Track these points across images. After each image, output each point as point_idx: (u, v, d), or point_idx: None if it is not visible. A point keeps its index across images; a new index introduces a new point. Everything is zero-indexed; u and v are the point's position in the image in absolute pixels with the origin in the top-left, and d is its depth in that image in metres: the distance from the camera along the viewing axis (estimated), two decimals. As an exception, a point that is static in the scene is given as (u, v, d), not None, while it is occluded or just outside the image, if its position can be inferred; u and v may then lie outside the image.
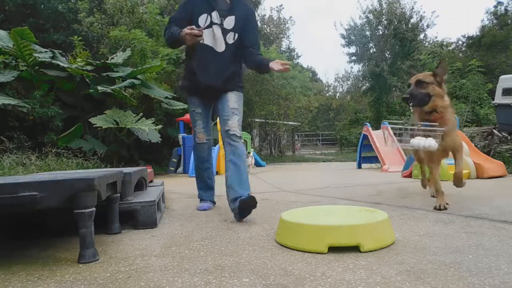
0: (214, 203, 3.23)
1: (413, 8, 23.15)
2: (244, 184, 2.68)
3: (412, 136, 2.84)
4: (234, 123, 2.78)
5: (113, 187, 2.18)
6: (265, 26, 24.62)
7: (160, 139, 8.17)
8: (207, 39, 2.81)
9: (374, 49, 24.04)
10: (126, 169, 2.78)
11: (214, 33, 2.83)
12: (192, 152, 2.97)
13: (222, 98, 2.89)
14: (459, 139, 2.96)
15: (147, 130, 7.21)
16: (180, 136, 8.41)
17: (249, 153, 5.67)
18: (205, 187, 3.18)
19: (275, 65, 2.70)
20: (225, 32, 2.86)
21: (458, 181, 2.93)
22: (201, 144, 3.04)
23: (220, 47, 2.86)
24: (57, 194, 1.65)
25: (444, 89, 2.75)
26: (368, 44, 24.27)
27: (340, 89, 40.63)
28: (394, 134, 3.38)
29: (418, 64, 17.10)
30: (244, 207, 2.50)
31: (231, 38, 2.87)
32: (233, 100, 2.87)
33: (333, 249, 1.76)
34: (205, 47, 2.83)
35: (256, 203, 2.52)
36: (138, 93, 8.59)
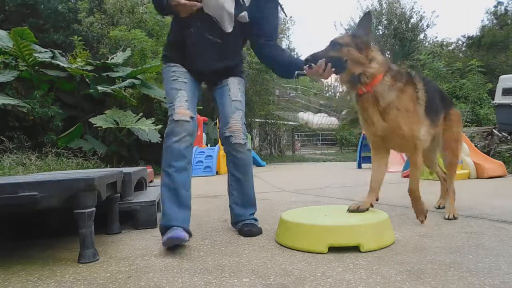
0: (189, 233, 1.96)
1: (413, 8, 23.20)
2: (248, 202, 2.28)
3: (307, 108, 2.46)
4: (238, 125, 2.16)
5: (113, 187, 2.18)
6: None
7: (160, 139, 8.17)
8: (213, 9, 2.06)
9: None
10: (126, 169, 2.79)
11: (225, 7, 2.06)
12: (164, 143, 2.03)
13: (221, 84, 2.26)
14: (417, 127, 2.16)
15: (147, 130, 7.20)
16: (180, 136, 8.39)
17: None
18: (177, 203, 1.97)
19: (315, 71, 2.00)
20: (239, 7, 2.10)
21: (413, 202, 2.31)
22: (180, 124, 1.97)
23: (229, 26, 2.11)
24: (57, 194, 1.65)
25: (372, 54, 2.10)
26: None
27: (340, 89, 40.68)
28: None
29: (418, 64, 17.09)
30: (246, 235, 2.16)
31: (245, 17, 2.12)
32: (236, 88, 2.23)
33: (333, 249, 1.76)
34: (207, 22, 2.07)
35: (260, 232, 2.19)
36: (138, 93, 8.59)
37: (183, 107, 2.01)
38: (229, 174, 2.27)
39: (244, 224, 2.20)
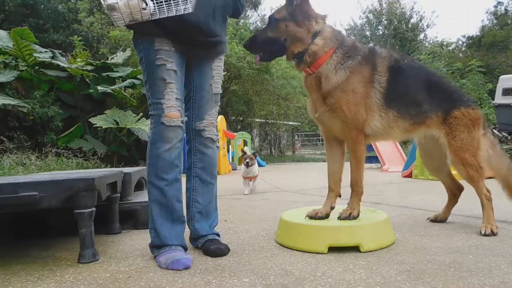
0: (185, 248, 1.77)
1: (413, 8, 23.23)
2: (213, 212, 1.94)
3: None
4: (213, 120, 1.91)
5: (113, 187, 2.18)
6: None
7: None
8: None
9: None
10: (126, 169, 2.79)
11: None
12: (147, 154, 1.74)
13: (203, 64, 1.87)
14: (363, 112, 1.86)
15: (147, 130, 7.20)
16: (180, 136, 8.40)
17: (254, 156, 4.23)
18: (171, 219, 1.74)
19: None
20: None
21: (353, 195, 1.98)
22: (172, 130, 1.70)
23: None
24: (57, 194, 1.65)
25: (315, 26, 1.81)
26: (368, 44, 24.29)
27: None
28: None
29: (418, 64, 17.09)
30: (215, 254, 1.78)
31: None
32: (220, 76, 1.93)
33: (333, 249, 1.76)
34: None
35: (229, 250, 1.82)
36: (138, 93, 8.60)
37: (174, 108, 1.71)
38: (192, 177, 1.91)
39: (209, 241, 1.83)
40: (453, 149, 2.09)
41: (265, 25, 1.89)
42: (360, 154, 1.93)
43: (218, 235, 1.92)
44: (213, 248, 1.78)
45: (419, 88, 2.05)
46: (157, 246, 1.72)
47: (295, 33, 1.80)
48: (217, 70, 1.90)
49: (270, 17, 1.87)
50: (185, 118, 1.80)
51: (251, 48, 1.91)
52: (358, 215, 1.92)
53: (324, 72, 1.82)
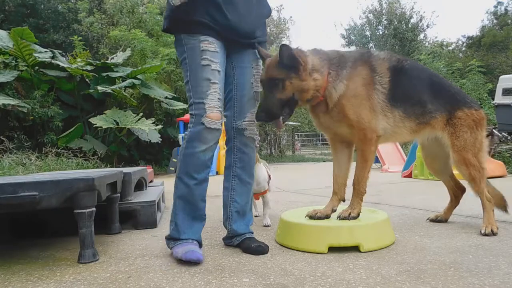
0: (200, 244, 1.82)
1: (413, 8, 23.19)
2: (247, 213, 1.96)
3: None
4: (253, 119, 1.90)
5: (113, 187, 2.18)
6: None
7: (160, 139, 8.17)
8: None
9: (374, 49, 24.07)
10: (126, 169, 2.79)
11: None
12: (181, 151, 1.79)
13: (244, 63, 1.89)
14: (368, 114, 1.86)
15: (147, 130, 7.20)
16: (180, 136, 8.41)
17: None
18: (192, 216, 1.78)
19: None
20: None
21: (354, 194, 1.95)
22: (211, 131, 1.72)
23: None
24: (57, 194, 1.65)
25: (308, 65, 1.79)
26: (368, 44, 24.28)
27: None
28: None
29: (418, 64, 17.09)
30: (257, 252, 1.79)
31: None
32: (259, 74, 1.92)
33: (333, 249, 1.76)
34: None
35: (268, 249, 1.83)
36: (138, 93, 8.59)
37: (216, 109, 1.72)
38: (231, 177, 1.91)
39: (248, 239, 1.86)
40: (456, 149, 2.10)
41: (264, 89, 1.85)
42: (368, 154, 1.92)
43: (252, 233, 1.95)
44: (254, 246, 1.80)
45: (423, 88, 2.05)
46: (174, 239, 1.77)
47: (303, 86, 1.78)
48: (257, 68, 1.91)
49: (269, 79, 1.80)
50: (224, 119, 1.83)
51: (270, 118, 1.81)
52: (358, 215, 1.91)
53: (328, 94, 1.85)
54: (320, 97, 1.85)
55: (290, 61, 1.74)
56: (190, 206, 1.76)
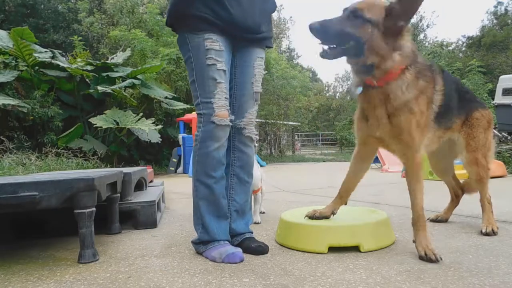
0: (231, 244, 1.82)
1: (413, 8, 23.18)
2: (247, 212, 1.95)
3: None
4: (253, 118, 1.91)
5: (113, 187, 2.18)
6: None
7: (160, 139, 8.18)
8: None
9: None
10: (126, 169, 2.79)
11: None
12: (194, 152, 1.79)
13: (245, 63, 1.87)
14: (419, 138, 1.69)
15: (147, 130, 7.20)
16: (180, 136, 8.41)
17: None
18: (217, 215, 1.79)
19: None
20: None
21: (416, 231, 1.70)
22: (221, 129, 1.74)
23: None
24: (57, 194, 1.65)
25: (401, 42, 1.58)
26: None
27: (340, 89, 40.70)
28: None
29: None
30: (257, 252, 1.79)
31: None
32: (261, 74, 1.91)
33: (333, 249, 1.76)
34: None
35: (268, 249, 1.83)
36: (138, 93, 8.60)
37: (223, 108, 1.73)
38: (230, 176, 1.91)
39: (247, 239, 1.85)
40: (470, 149, 2.08)
41: (340, 15, 1.55)
42: (422, 179, 1.75)
43: (252, 233, 1.94)
44: (254, 246, 1.79)
45: (455, 97, 1.99)
46: (205, 242, 1.76)
47: (378, 46, 1.53)
48: (259, 68, 1.89)
49: (354, 10, 1.53)
50: (232, 117, 1.81)
51: (320, 34, 1.53)
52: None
53: (393, 88, 1.62)
54: (379, 82, 1.61)
55: (398, 16, 1.50)
56: (213, 207, 1.77)
